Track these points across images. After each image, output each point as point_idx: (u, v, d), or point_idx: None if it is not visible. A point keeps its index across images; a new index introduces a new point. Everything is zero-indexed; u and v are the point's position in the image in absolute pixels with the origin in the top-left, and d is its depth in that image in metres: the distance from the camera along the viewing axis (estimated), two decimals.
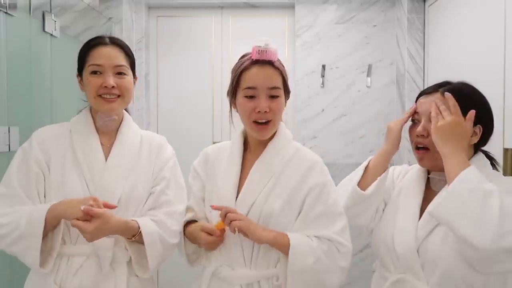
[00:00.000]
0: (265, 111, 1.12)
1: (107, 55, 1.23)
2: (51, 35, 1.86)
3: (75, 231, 1.18)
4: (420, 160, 1.14)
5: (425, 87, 1.40)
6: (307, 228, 1.12)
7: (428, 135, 1.09)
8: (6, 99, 1.57)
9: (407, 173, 1.26)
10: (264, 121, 1.14)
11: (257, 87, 1.12)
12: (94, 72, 1.23)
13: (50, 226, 1.16)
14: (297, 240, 1.08)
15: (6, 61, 1.57)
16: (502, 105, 1.72)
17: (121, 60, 1.26)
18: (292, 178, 1.15)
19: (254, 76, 1.12)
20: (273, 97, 1.13)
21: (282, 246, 1.08)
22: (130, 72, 1.29)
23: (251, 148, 1.24)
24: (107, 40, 1.27)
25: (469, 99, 1.08)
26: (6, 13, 1.55)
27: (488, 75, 1.81)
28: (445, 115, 1.03)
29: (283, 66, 1.19)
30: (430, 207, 1.06)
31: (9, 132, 1.56)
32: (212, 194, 1.22)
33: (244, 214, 1.13)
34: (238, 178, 1.19)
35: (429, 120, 1.09)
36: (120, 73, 1.25)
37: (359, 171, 1.25)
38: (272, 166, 1.17)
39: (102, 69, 1.23)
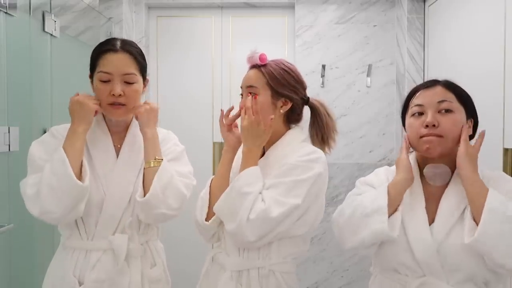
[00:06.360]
0: (240, 107, 1.25)
1: (116, 63, 1.25)
2: (51, 35, 1.86)
3: (91, 227, 1.25)
4: (430, 149, 1.11)
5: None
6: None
7: (439, 125, 1.10)
8: (6, 99, 1.57)
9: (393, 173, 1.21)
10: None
11: (242, 86, 1.29)
12: (103, 80, 1.25)
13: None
14: None
15: (6, 61, 1.57)
16: (502, 105, 1.72)
17: (130, 67, 1.26)
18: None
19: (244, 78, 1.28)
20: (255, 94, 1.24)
21: None
22: (139, 79, 1.30)
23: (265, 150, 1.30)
24: (118, 45, 1.26)
25: (464, 92, 1.16)
26: (6, 13, 1.55)
27: (488, 75, 1.81)
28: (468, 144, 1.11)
29: (271, 71, 1.25)
30: (469, 240, 1.03)
31: (9, 132, 1.56)
32: None
33: None
34: None
35: (437, 111, 1.12)
36: (128, 81, 1.27)
37: (381, 212, 1.09)
38: (271, 163, 1.24)
39: (110, 77, 1.24)
